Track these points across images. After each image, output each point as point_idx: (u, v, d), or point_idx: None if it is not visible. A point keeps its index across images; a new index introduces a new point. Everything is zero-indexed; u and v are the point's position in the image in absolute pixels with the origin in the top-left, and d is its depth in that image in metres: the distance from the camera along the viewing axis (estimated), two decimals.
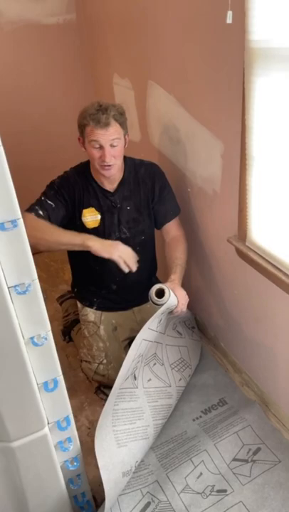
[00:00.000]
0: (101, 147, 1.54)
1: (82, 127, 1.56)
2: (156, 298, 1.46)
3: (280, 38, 1.11)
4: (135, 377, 1.55)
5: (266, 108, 1.25)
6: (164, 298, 1.45)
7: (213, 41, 1.41)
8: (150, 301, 1.48)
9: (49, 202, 1.61)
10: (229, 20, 1.19)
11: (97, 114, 1.51)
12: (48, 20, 2.34)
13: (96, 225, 1.68)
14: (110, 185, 1.69)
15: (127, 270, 1.58)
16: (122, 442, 1.41)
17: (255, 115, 1.29)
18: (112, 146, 1.55)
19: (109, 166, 1.57)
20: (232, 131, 1.43)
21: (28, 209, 1.57)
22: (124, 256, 1.56)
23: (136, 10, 1.84)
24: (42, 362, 1.04)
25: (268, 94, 1.22)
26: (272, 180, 1.35)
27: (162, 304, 1.45)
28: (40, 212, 1.58)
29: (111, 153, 1.55)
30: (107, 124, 1.51)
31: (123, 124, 1.57)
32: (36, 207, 1.59)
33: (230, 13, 1.18)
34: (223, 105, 1.47)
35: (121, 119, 1.56)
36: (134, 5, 1.84)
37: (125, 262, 1.57)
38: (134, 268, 1.59)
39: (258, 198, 1.43)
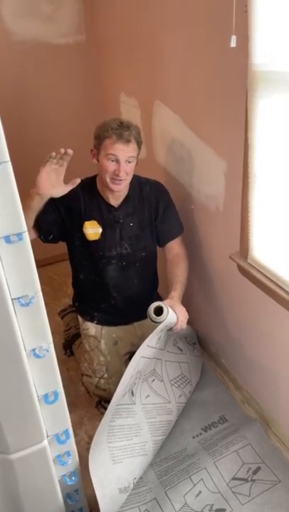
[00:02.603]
0: (117, 161, 1.58)
1: (100, 139, 1.59)
2: (154, 316, 1.45)
3: (282, 62, 1.15)
4: (133, 394, 1.55)
5: (268, 129, 1.28)
6: (162, 316, 1.45)
7: (218, 64, 1.45)
8: (149, 319, 1.49)
9: None
10: (233, 44, 1.22)
11: (119, 129, 1.55)
12: (58, 40, 2.40)
13: (96, 237, 1.71)
14: (115, 201, 1.72)
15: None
16: (117, 459, 1.41)
17: (257, 135, 1.32)
18: (127, 162, 1.59)
19: (121, 180, 1.61)
20: (235, 151, 1.46)
21: None
22: (42, 178, 1.51)
23: (143, 32, 1.89)
24: (43, 374, 1.05)
25: (270, 115, 1.25)
26: (274, 198, 1.37)
27: (160, 322, 1.45)
28: None
29: (125, 169, 1.59)
30: (128, 141, 1.56)
31: (139, 145, 1.63)
32: None
33: (234, 38, 1.22)
34: (227, 125, 1.51)
35: (139, 139, 1.62)
36: (142, 27, 1.90)
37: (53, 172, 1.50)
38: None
39: (260, 216, 1.45)
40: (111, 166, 1.59)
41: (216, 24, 1.39)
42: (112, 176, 1.60)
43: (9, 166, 0.83)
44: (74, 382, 1.98)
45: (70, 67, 2.48)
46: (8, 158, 0.83)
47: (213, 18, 1.41)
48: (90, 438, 1.71)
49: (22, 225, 0.89)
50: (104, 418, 1.37)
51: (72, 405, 1.79)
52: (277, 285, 1.44)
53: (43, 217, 1.64)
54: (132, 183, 1.72)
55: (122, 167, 1.57)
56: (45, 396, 1.07)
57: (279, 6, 1.10)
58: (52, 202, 1.65)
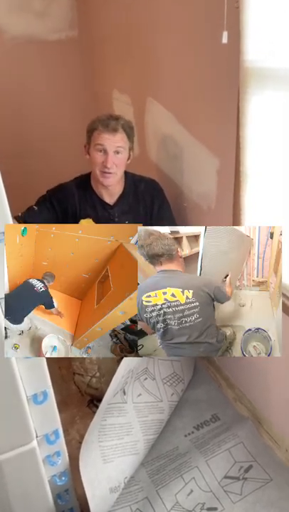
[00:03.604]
0: (105, 152, 1.56)
1: (90, 132, 1.59)
2: None
3: (274, 58, 1.14)
4: (124, 393, 1.54)
5: (260, 126, 1.27)
6: None
7: (210, 60, 1.44)
8: None
9: (34, 206, 1.65)
10: (225, 40, 1.22)
11: (107, 120, 1.56)
12: (50, 36, 2.37)
13: None
14: (110, 198, 1.70)
15: None
16: (108, 458, 1.40)
17: (249, 133, 1.31)
18: (116, 152, 1.57)
19: (110, 173, 1.59)
20: (227, 149, 1.45)
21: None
22: None
23: (137, 28, 1.88)
24: (32, 374, 1.04)
25: (262, 112, 1.25)
26: (266, 196, 1.36)
27: None
28: (19, 214, 1.62)
29: (114, 160, 1.57)
30: (115, 130, 1.55)
31: (130, 137, 1.61)
32: (19, 213, 1.62)
33: (225, 34, 1.21)
34: (219, 123, 1.50)
35: (129, 130, 1.60)
36: (135, 24, 1.88)
37: None
38: None
39: (251, 215, 1.44)
40: (99, 158, 1.57)
41: (208, 21, 1.38)
42: (101, 169, 1.58)
43: None
44: (66, 380, 1.97)
45: (63, 64, 2.45)
46: None
47: (206, 15, 1.40)
48: (82, 437, 1.70)
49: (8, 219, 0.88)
50: (95, 417, 1.36)
51: (63, 404, 1.79)
52: None
53: (36, 215, 1.62)
54: (126, 181, 1.71)
55: (109, 157, 1.56)
56: (34, 396, 1.06)
57: (270, 2, 1.09)
58: (47, 199, 1.64)
